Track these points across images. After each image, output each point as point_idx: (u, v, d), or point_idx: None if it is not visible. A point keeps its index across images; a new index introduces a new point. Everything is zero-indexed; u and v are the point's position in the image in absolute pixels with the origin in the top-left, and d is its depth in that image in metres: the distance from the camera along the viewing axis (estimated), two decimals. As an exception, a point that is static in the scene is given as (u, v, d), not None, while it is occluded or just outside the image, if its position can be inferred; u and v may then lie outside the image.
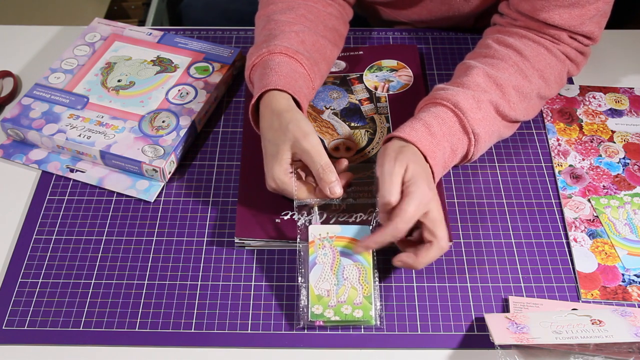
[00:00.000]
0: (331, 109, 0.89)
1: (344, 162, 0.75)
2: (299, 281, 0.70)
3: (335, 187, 0.70)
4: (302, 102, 0.76)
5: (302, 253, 0.71)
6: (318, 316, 0.67)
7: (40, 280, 0.73)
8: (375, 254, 0.71)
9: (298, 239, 0.72)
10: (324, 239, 0.71)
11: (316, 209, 0.73)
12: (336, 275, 0.69)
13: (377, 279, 0.70)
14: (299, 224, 0.73)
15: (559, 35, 0.81)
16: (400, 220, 0.65)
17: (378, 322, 0.68)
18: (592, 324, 0.66)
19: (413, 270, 0.73)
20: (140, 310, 0.70)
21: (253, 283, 0.73)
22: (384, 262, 0.74)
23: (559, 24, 0.80)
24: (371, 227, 0.72)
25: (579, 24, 0.80)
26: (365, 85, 0.91)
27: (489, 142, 0.78)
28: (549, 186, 0.82)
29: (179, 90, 0.88)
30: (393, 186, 0.66)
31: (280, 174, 0.71)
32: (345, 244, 0.71)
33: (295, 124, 0.71)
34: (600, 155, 0.84)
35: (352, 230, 0.71)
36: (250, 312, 0.70)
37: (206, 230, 0.77)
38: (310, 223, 0.73)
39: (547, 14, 0.79)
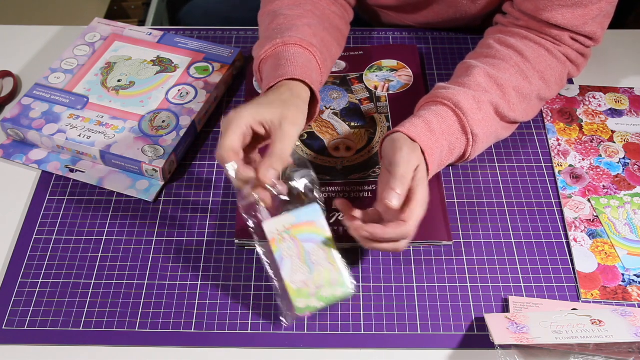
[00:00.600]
0: (331, 109, 0.89)
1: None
2: (274, 282, 0.68)
3: (271, 173, 0.65)
4: (317, 94, 0.75)
5: (264, 254, 0.69)
6: (304, 309, 0.67)
7: (40, 280, 0.73)
8: (329, 226, 0.69)
9: (255, 239, 0.70)
10: (282, 232, 0.69)
11: (261, 204, 0.69)
12: (306, 264, 0.68)
13: (337, 248, 0.68)
14: (250, 227, 0.70)
15: (560, 36, 0.81)
16: (413, 223, 0.66)
17: (353, 288, 0.67)
18: (592, 324, 0.66)
19: (413, 270, 0.73)
20: (140, 310, 0.70)
21: (253, 283, 0.73)
22: (384, 262, 0.74)
23: (561, 24, 0.80)
24: (319, 202, 0.69)
25: (581, 24, 0.80)
26: (365, 85, 0.91)
27: (487, 143, 0.78)
28: (549, 186, 0.82)
29: (179, 90, 0.88)
30: (410, 172, 0.67)
31: (243, 119, 0.67)
32: (303, 229, 0.69)
33: (296, 111, 0.69)
34: (600, 155, 0.84)
35: (305, 214, 0.69)
36: (250, 312, 0.70)
37: (206, 230, 0.77)
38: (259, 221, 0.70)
39: (550, 14, 0.79)
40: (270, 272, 0.69)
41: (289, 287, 0.67)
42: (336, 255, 0.68)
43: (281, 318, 0.69)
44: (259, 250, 0.70)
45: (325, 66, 0.81)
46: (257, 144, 0.71)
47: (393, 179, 0.66)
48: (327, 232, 0.69)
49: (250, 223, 0.69)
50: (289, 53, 0.76)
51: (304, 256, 0.68)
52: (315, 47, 0.78)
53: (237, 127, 0.66)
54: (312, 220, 0.70)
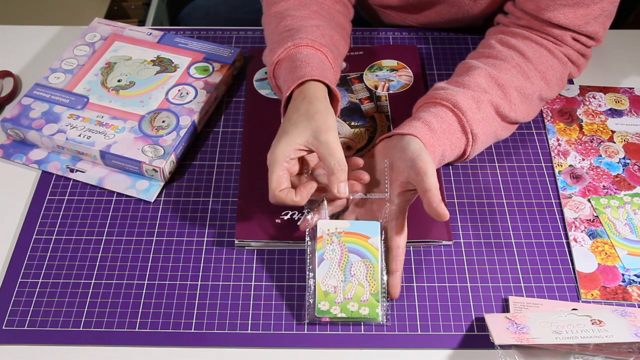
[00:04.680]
0: (331, 109, 0.88)
1: (359, 161, 0.73)
2: (308, 276, 0.70)
3: (344, 187, 0.68)
4: (336, 92, 0.75)
5: (310, 248, 0.71)
6: (324, 312, 0.67)
7: (40, 280, 0.73)
8: (383, 251, 0.70)
9: (307, 232, 0.71)
10: (333, 235, 0.70)
11: (325, 203, 0.73)
12: (343, 272, 0.69)
13: (384, 276, 0.70)
14: (309, 218, 0.71)
15: (562, 36, 0.81)
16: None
17: (384, 320, 0.68)
18: (592, 324, 0.66)
19: (413, 270, 0.73)
20: (140, 310, 0.70)
21: (253, 283, 0.73)
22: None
23: (563, 24, 0.80)
24: (381, 222, 0.71)
25: (583, 24, 0.80)
26: (366, 85, 0.92)
27: (487, 143, 0.78)
28: (549, 186, 0.82)
29: (179, 90, 0.88)
30: (435, 173, 0.67)
31: (281, 154, 0.68)
32: (354, 240, 0.70)
33: (322, 115, 0.70)
34: (600, 155, 0.84)
35: (361, 226, 0.71)
36: (250, 312, 0.70)
37: (206, 230, 0.77)
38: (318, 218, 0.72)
39: (551, 13, 0.79)
40: (309, 267, 0.70)
41: (319, 286, 0.68)
42: (377, 278, 0.69)
43: (303, 312, 0.70)
44: (308, 241, 0.71)
45: (337, 65, 0.81)
46: (310, 161, 0.74)
47: (429, 191, 0.66)
48: (377, 253, 0.70)
49: (310, 217, 0.71)
50: (302, 54, 0.76)
51: (344, 265, 0.69)
52: (326, 47, 0.79)
53: (278, 167, 0.68)
54: (367, 235, 0.71)
